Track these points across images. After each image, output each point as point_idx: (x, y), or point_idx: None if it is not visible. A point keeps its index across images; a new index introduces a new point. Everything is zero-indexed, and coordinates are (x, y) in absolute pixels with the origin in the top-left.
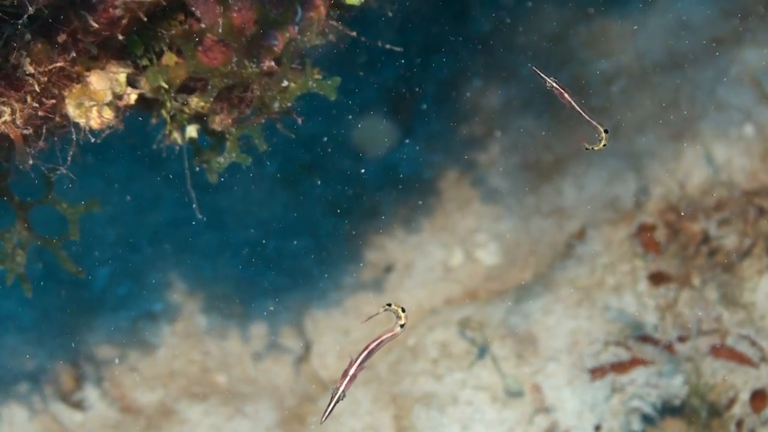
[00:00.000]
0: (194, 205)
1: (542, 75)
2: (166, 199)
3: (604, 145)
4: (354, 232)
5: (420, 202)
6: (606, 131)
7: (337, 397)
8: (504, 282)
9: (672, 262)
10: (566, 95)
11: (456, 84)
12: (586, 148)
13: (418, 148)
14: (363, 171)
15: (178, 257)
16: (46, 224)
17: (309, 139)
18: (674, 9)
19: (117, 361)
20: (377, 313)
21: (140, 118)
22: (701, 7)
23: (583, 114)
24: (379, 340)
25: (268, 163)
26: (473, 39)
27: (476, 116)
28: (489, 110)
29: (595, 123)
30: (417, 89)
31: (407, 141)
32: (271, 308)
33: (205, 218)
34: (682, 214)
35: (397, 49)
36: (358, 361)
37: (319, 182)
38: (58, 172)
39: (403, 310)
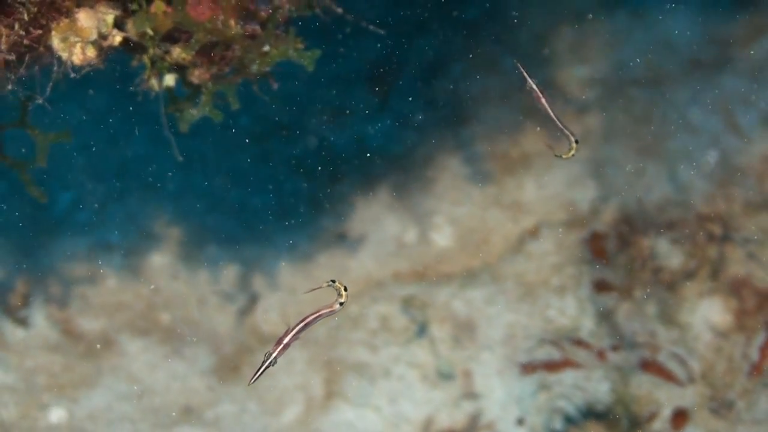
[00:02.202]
0: (174, 148)
1: (525, 74)
2: (140, 135)
3: (573, 155)
4: (316, 196)
5: (384, 176)
6: (576, 141)
7: (269, 362)
8: (453, 266)
9: (618, 272)
10: (543, 100)
11: (437, 66)
12: (555, 155)
13: (390, 123)
14: (333, 138)
15: (141, 193)
16: (16, 148)
17: (285, 99)
18: (660, 26)
19: (67, 284)
20: (320, 287)
21: (123, 58)
22: (687, 28)
23: (557, 121)
24: (317, 314)
25: (244, 117)
26: (461, 24)
27: (452, 101)
28: (466, 97)
29: (567, 132)
30: (398, 66)
31: (381, 115)
32: (224, 257)
33: (182, 159)
34: (636, 227)
35: (380, 31)
36: (294, 331)
37: (289, 143)
38: (36, 102)
39: (345, 289)
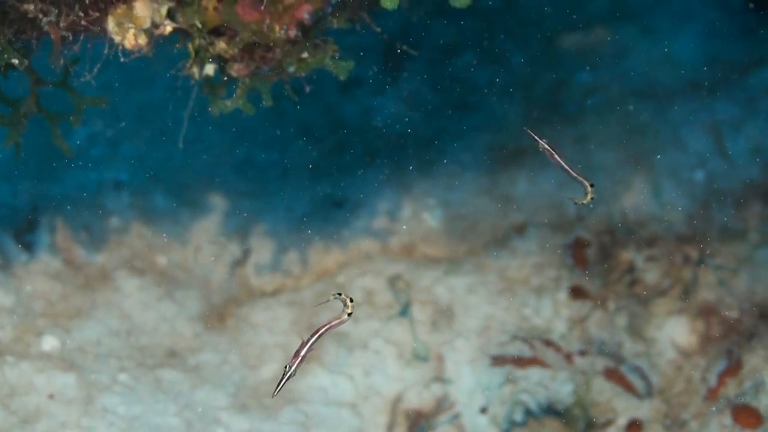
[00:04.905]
0: (181, 134)
1: (536, 137)
2: (159, 80)
3: (592, 199)
4: (318, 162)
5: (385, 152)
6: (592, 185)
7: (288, 374)
8: (440, 248)
9: (595, 281)
10: (556, 156)
11: (449, 51)
12: (575, 203)
13: (396, 101)
14: (342, 108)
15: (154, 137)
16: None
17: None
18: (665, 44)
19: (73, 216)
20: (327, 300)
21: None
22: (690, 49)
23: (571, 172)
24: (328, 326)
25: None
26: (478, 13)
27: (459, 87)
28: (472, 85)
29: (581, 179)
30: (411, 46)
31: (389, 92)
32: (225, 209)
33: (182, 147)
34: (617, 239)
35: (413, 53)
36: (309, 344)
37: (299, 107)
38: (82, 79)
39: (351, 300)
